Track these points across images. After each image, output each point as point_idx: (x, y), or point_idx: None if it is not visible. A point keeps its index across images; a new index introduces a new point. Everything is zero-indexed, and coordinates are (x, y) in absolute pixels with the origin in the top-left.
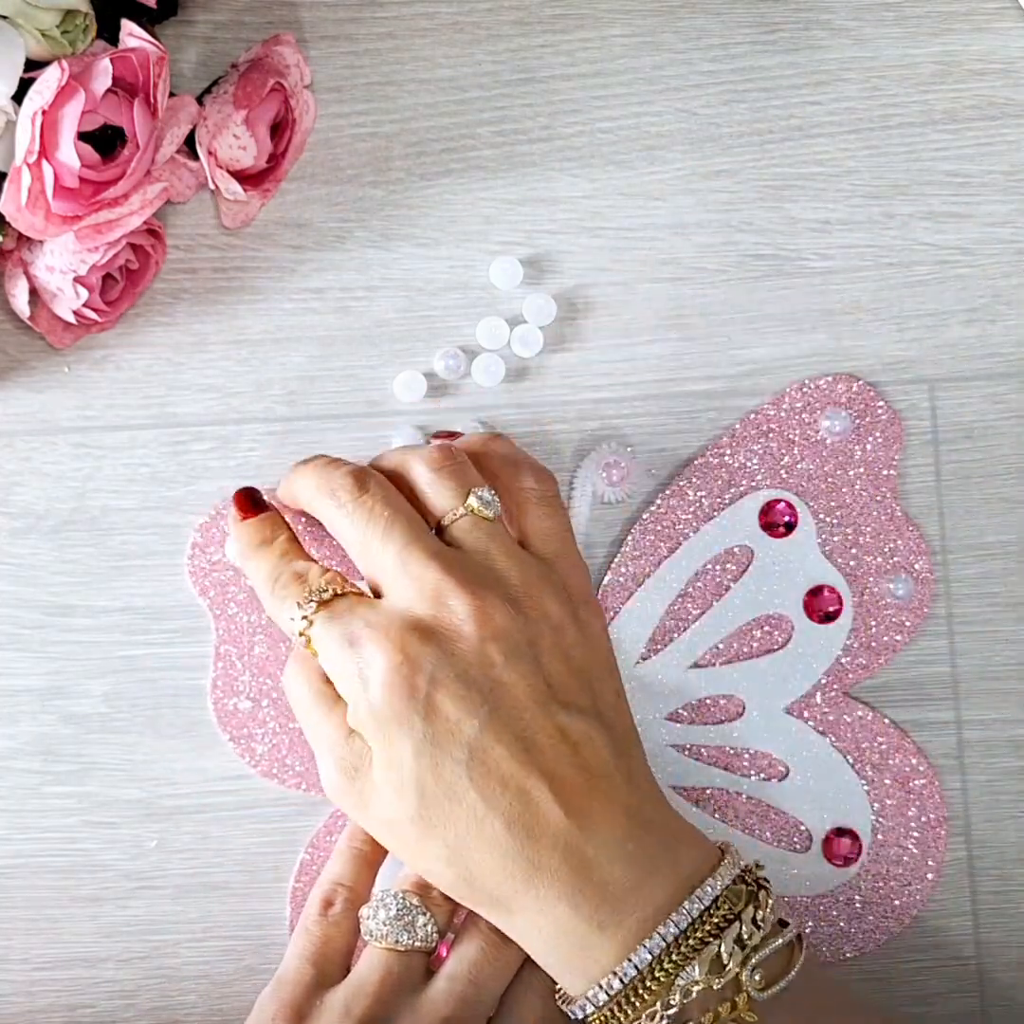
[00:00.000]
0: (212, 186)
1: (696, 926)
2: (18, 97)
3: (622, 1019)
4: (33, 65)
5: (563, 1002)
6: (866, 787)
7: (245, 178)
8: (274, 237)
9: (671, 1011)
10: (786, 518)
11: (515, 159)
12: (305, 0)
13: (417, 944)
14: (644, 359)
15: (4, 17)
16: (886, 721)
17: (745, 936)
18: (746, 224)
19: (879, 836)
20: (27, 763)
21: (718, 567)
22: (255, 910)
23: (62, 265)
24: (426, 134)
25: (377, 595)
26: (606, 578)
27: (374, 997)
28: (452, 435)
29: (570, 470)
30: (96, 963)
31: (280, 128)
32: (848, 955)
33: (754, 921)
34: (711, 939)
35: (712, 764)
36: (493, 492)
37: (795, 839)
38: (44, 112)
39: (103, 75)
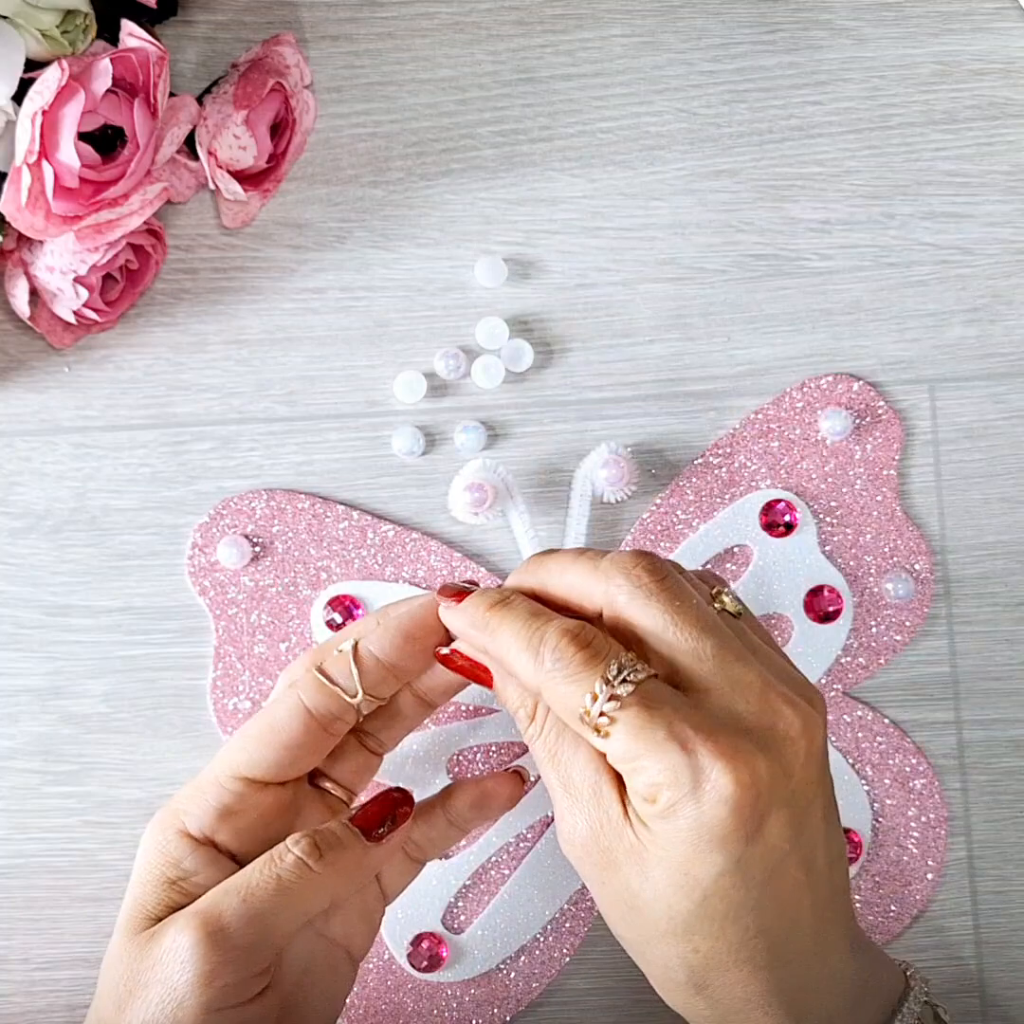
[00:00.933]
0: (212, 186)
1: None
2: (18, 97)
3: None
4: (33, 65)
5: None
6: (866, 787)
7: (245, 178)
8: (274, 237)
9: None
10: (786, 518)
11: (515, 159)
12: (305, 0)
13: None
14: (644, 359)
15: (4, 17)
16: (886, 721)
17: None
18: (746, 224)
19: (879, 836)
20: (27, 763)
21: (718, 566)
22: None
23: (62, 265)
24: (426, 134)
25: (671, 681)
26: None
27: None
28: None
29: (570, 470)
30: (96, 963)
31: (280, 128)
32: None
33: None
34: None
35: None
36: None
37: None
38: (44, 112)
39: (103, 75)
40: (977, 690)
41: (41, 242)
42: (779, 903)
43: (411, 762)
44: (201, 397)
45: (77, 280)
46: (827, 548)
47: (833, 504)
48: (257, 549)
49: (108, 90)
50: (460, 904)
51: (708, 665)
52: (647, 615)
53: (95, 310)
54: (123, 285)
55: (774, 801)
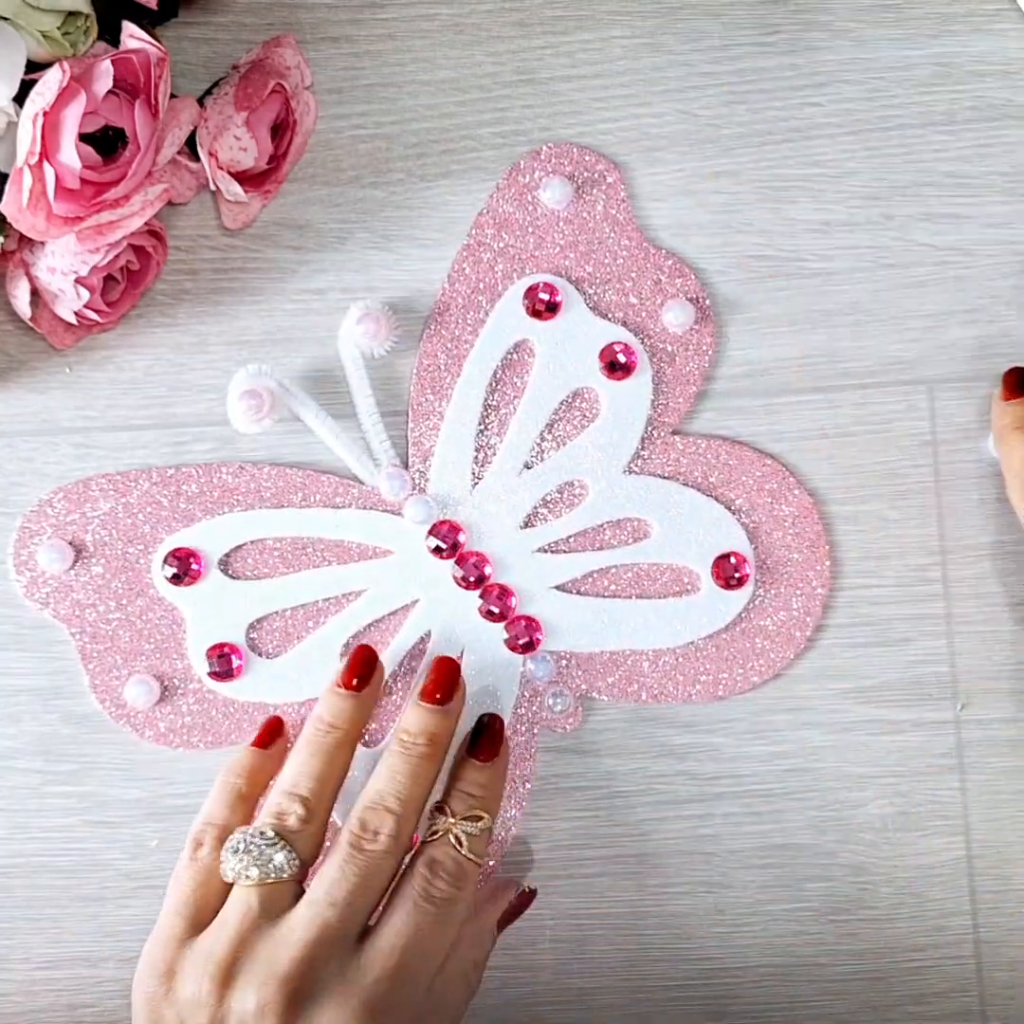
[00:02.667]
0: (213, 187)
1: None
2: (19, 99)
3: None
4: (34, 67)
5: None
6: (729, 508)
7: (246, 179)
8: (275, 238)
9: None
10: (548, 297)
11: (515, 160)
12: (306, 2)
13: (272, 877)
14: None
15: (5, 18)
16: (720, 441)
17: None
18: (746, 225)
19: (759, 547)
20: (28, 763)
21: (507, 369)
22: None
23: (63, 266)
24: (426, 135)
25: None
26: (410, 424)
27: (234, 935)
28: None
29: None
30: (97, 962)
31: (281, 129)
32: (756, 681)
33: None
34: None
35: (580, 551)
36: None
37: (685, 582)
38: (45, 113)
39: (104, 76)
40: (977, 690)
41: (42, 243)
42: None
43: (305, 668)
44: (202, 398)
45: (78, 281)
46: (602, 310)
47: (589, 269)
48: (74, 545)
49: (109, 91)
50: None
51: None
52: None
53: (96, 311)
54: (124, 286)
55: None
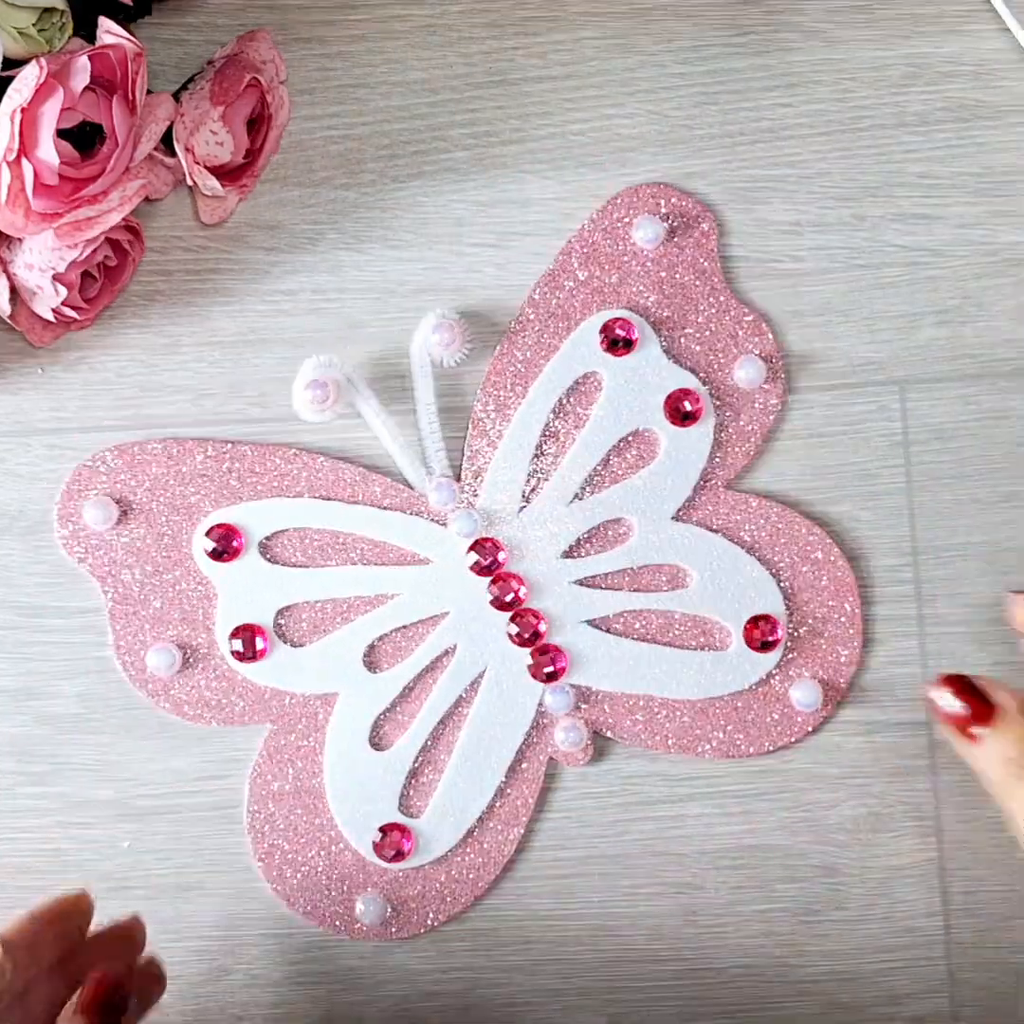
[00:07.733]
0: (190, 182)
1: None
2: None
3: None
4: (11, 64)
5: None
6: (770, 571)
7: (222, 174)
8: (247, 239)
9: None
10: (624, 334)
11: (487, 161)
12: (278, 3)
13: None
14: None
15: None
16: (771, 502)
17: None
18: (717, 226)
19: (795, 614)
20: (1, 764)
21: (572, 398)
22: (228, 911)
23: (41, 263)
24: (398, 136)
25: None
26: (468, 438)
27: None
28: None
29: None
30: None
31: (257, 123)
32: (769, 748)
33: None
34: None
35: (617, 589)
36: None
37: (715, 638)
38: (23, 110)
39: (81, 72)
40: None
41: (20, 240)
42: None
43: (327, 662)
44: (174, 398)
45: (56, 278)
46: (674, 353)
47: (668, 313)
48: (120, 504)
49: (86, 87)
50: (411, 790)
51: None
52: None
53: (74, 308)
54: (102, 282)
55: None
